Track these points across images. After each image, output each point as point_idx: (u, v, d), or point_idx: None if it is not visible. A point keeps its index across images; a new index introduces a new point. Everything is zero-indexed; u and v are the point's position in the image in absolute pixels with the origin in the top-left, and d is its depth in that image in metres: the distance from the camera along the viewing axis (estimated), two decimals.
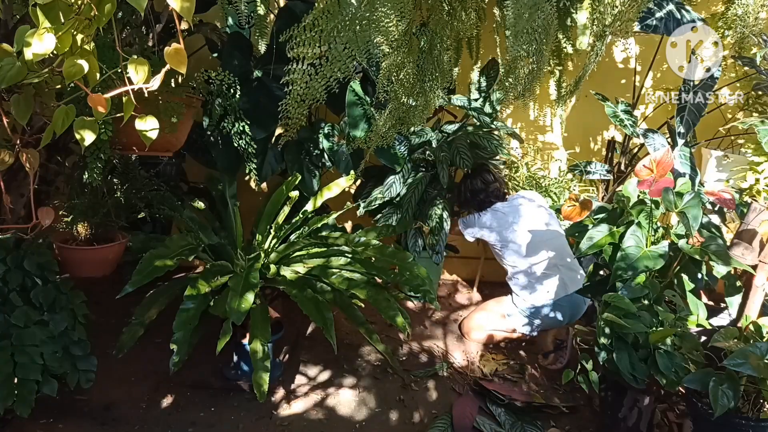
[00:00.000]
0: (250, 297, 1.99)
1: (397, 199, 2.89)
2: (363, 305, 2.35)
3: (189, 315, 1.98)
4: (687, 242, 2.05)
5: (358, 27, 1.35)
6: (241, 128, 2.41)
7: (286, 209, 2.62)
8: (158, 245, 2.14)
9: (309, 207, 2.65)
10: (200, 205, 2.68)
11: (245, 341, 2.33)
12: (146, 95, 1.37)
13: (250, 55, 2.64)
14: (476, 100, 3.07)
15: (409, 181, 2.90)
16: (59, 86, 1.50)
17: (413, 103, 1.85)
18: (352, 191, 3.42)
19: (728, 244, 2.10)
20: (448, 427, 2.16)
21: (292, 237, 2.61)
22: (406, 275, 2.30)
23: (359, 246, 2.37)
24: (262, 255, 2.39)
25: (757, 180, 2.01)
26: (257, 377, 1.95)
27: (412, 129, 2.63)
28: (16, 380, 1.80)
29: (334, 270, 2.32)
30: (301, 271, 2.33)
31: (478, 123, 2.98)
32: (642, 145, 3.13)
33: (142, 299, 2.24)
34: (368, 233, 2.51)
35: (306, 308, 2.08)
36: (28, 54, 1.20)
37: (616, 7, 1.51)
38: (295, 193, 2.62)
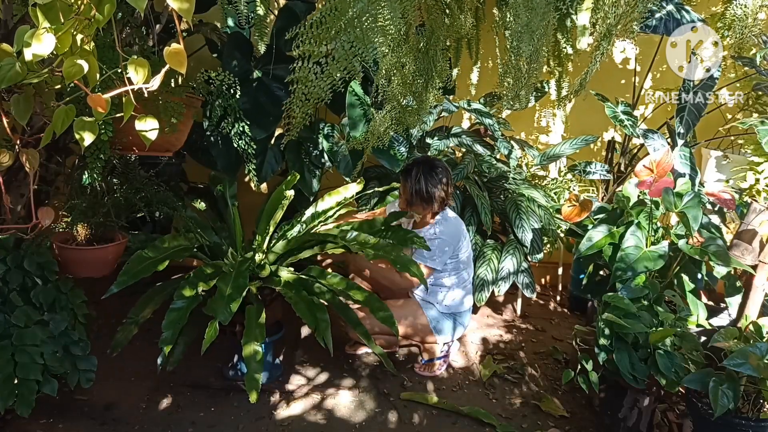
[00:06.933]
0: (237, 298, 1.97)
1: None
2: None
3: (178, 314, 1.96)
4: (687, 242, 2.05)
5: (365, 25, 1.35)
6: (241, 128, 2.41)
7: (285, 208, 2.61)
8: (148, 246, 2.14)
9: (310, 211, 2.63)
10: (201, 205, 2.67)
11: None
12: (146, 95, 1.37)
13: (250, 55, 2.64)
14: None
15: None
16: (59, 86, 1.50)
17: (412, 104, 1.86)
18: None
19: (728, 244, 2.10)
20: None
21: (291, 237, 2.60)
22: None
23: (354, 242, 2.36)
24: (260, 255, 2.39)
25: (757, 180, 2.01)
26: (250, 378, 1.93)
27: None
28: (16, 380, 1.80)
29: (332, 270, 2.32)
30: (298, 271, 2.32)
31: (484, 126, 2.99)
32: (642, 145, 3.13)
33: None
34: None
35: (299, 310, 2.06)
36: (28, 54, 1.20)
37: (621, 7, 1.51)
38: (290, 193, 2.60)
